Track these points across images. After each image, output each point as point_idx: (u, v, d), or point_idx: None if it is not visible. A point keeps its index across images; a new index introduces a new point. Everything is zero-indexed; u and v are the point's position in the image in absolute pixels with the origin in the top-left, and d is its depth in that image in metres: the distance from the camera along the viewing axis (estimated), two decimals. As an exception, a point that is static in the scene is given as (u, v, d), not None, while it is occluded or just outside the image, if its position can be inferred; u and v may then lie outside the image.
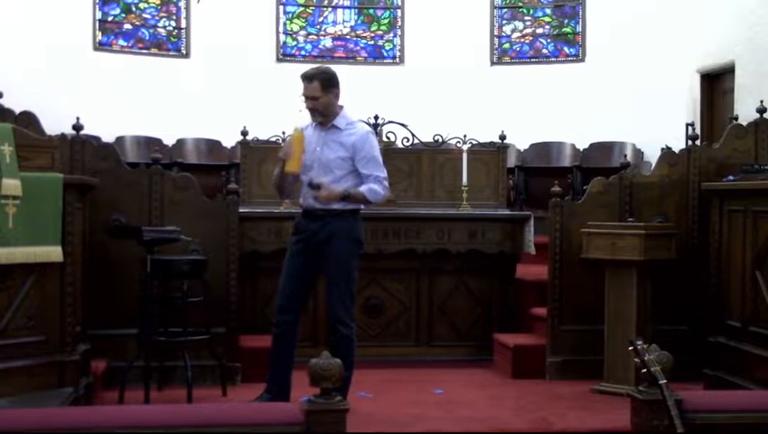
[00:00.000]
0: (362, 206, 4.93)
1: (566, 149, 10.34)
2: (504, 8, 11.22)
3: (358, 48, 11.27)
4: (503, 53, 11.16)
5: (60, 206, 4.42)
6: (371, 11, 11.34)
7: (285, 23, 11.11)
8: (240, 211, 5.87)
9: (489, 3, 11.08)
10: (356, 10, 11.36)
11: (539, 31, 11.18)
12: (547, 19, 11.19)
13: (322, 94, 4.76)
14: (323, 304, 6.07)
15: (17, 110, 5.14)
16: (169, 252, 5.39)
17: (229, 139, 9.39)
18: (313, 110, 4.80)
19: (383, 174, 4.84)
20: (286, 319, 4.90)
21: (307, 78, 4.77)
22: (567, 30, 11.07)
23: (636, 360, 3.11)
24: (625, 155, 7.40)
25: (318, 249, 4.80)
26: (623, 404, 3.58)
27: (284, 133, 6.67)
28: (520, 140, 9.99)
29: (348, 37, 11.29)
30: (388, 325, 6.55)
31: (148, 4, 10.69)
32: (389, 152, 6.71)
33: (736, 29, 8.59)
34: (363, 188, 4.77)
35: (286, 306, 4.90)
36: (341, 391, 4.70)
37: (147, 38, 10.63)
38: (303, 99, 4.82)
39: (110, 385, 5.27)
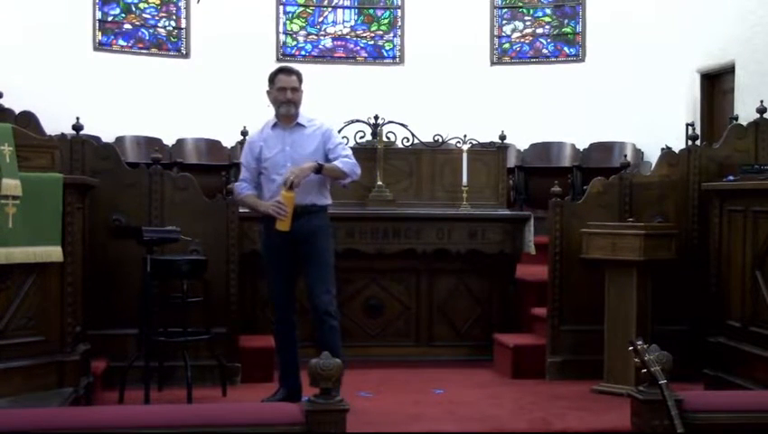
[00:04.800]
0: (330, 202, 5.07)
1: (566, 149, 10.34)
2: (504, 8, 11.22)
3: (358, 48, 11.27)
4: (503, 53, 11.16)
5: (60, 206, 4.42)
6: (371, 11, 11.35)
7: (285, 23, 11.12)
8: (240, 211, 5.87)
9: (489, 3, 11.08)
10: (356, 10, 11.37)
11: (539, 31, 11.18)
12: (547, 19, 11.19)
13: (299, 88, 4.99)
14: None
15: (17, 110, 5.14)
16: (169, 252, 5.39)
17: (229, 139, 9.39)
18: (289, 102, 4.94)
19: (353, 157, 5.00)
20: (287, 317, 5.01)
21: (289, 71, 5.02)
22: (567, 30, 11.07)
23: (636, 360, 3.11)
24: (625, 155, 7.40)
25: (300, 245, 4.88)
26: (623, 404, 3.58)
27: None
28: (520, 140, 9.99)
29: (348, 37, 11.29)
30: (388, 325, 6.55)
31: (148, 4, 10.69)
32: (389, 152, 6.71)
33: (736, 29, 8.59)
34: (336, 162, 4.90)
35: (284, 303, 5.01)
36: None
37: (147, 38, 10.63)
38: (278, 91, 4.96)
39: (110, 385, 5.27)
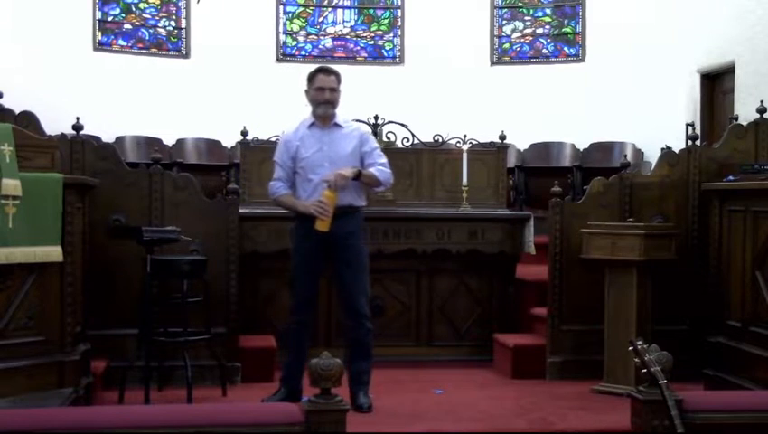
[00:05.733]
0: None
1: (566, 149, 10.33)
2: (504, 8, 11.22)
3: (358, 48, 11.27)
4: (503, 53, 11.16)
5: (60, 206, 4.42)
6: (371, 11, 11.34)
7: (285, 23, 11.11)
8: (240, 211, 5.88)
9: (489, 3, 11.08)
10: (356, 10, 11.36)
11: (539, 31, 11.18)
12: (547, 19, 11.19)
13: (337, 88, 4.98)
14: (327, 304, 6.09)
15: (17, 110, 5.14)
16: (169, 252, 5.39)
17: (229, 139, 9.39)
18: (327, 103, 4.93)
19: (388, 166, 5.04)
20: (305, 319, 5.03)
21: (328, 71, 5.02)
22: (567, 30, 11.07)
23: (636, 360, 3.11)
24: (625, 155, 7.40)
25: (336, 246, 4.88)
26: (623, 404, 3.58)
27: (283, 133, 6.64)
28: (520, 140, 9.98)
29: (348, 37, 11.28)
30: (388, 325, 6.54)
31: (148, 4, 10.69)
32: (389, 152, 6.69)
33: (736, 29, 8.59)
34: (372, 169, 4.93)
35: (306, 305, 5.02)
36: (365, 385, 4.84)
37: (147, 38, 10.63)
38: (316, 90, 4.94)
39: (110, 385, 5.27)
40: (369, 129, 5.16)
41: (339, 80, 4.98)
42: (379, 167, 4.96)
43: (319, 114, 4.96)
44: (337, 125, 4.99)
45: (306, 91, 5.02)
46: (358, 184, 4.95)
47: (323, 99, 4.92)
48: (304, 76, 5.06)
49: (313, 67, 5.13)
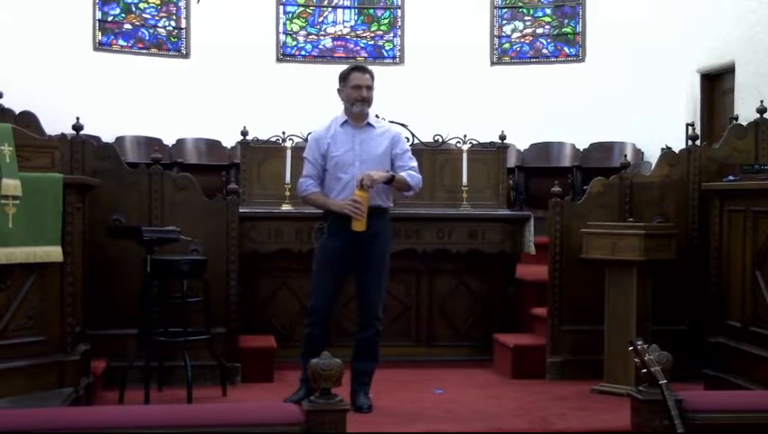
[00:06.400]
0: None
1: (566, 149, 10.34)
2: (504, 8, 11.22)
3: (358, 48, 11.27)
4: (503, 53, 11.16)
5: (60, 206, 4.42)
6: (371, 11, 11.35)
7: (285, 23, 11.11)
8: (240, 211, 5.87)
9: (489, 3, 11.08)
10: (356, 10, 11.36)
11: (539, 31, 11.18)
12: (547, 19, 11.19)
13: (373, 86, 4.96)
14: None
15: (17, 110, 5.14)
16: (169, 252, 5.39)
17: (229, 139, 9.39)
18: (364, 101, 4.92)
19: (418, 170, 5.02)
20: (324, 320, 4.99)
21: (363, 69, 5.00)
22: (567, 30, 11.07)
23: (636, 360, 3.11)
24: (625, 155, 7.39)
25: (363, 246, 4.86)
26: (623, 404, 3.58)
27: (284, 133, 6.65)
28: (520, 140, 9.99)
29: (348, 37, 11.29)
30: (389, 325, 6.51)
31: (148, 4, 10.69)
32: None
33: (736, 29, 8.59)
34: (403, 173, 4.91)
35: (326, 306, 4.98)
36: (366, 385, 4.80)
37: (147, 38, 10.64)
38: (352, 89, 4.92)
39: (110, 385, 5.27)
40: (401, 131, 5.11)
41: (373, 78, 4.97)
42: (410, 171, 4.93)
43: (355, 112, 4.93)
44: (370, 124, 4.98)
45: (339, 90, 4.99)
46: (387, 187, 4.93)
47: (360, 96, 4.90)
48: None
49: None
